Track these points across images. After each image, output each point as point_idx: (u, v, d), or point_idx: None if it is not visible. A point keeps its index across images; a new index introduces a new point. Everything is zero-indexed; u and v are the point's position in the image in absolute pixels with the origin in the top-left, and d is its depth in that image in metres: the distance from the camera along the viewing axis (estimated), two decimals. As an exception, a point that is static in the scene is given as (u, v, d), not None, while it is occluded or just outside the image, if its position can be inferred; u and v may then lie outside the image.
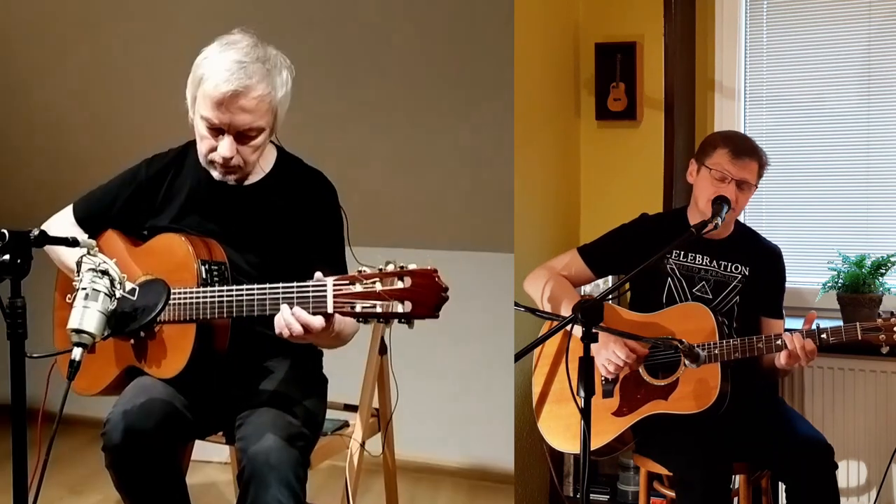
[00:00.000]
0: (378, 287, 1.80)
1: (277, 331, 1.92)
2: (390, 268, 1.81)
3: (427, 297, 1.78)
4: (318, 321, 1.88)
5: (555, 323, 2.39)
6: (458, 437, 3.66)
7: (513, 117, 2.95)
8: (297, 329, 1.88)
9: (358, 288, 1.82)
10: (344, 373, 2.52)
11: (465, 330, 3.36)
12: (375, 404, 2.69)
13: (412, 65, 3.13)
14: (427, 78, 3.16)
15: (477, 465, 3.68)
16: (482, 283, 3.31)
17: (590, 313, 2.06)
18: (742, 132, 3.10)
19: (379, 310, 1.80)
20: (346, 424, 2.62)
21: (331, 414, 2.50)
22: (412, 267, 1.80)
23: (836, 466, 2.45)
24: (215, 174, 2.19)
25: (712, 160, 2.54)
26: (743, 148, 2.54)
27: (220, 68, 2.05)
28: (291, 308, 1.89)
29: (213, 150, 2.13)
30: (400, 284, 1.79)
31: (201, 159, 2.21)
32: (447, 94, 3.18)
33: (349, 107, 3.30)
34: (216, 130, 2.11)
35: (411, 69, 3.15)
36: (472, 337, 3.51)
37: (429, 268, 1.80)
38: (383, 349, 2.66)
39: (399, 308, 1.79)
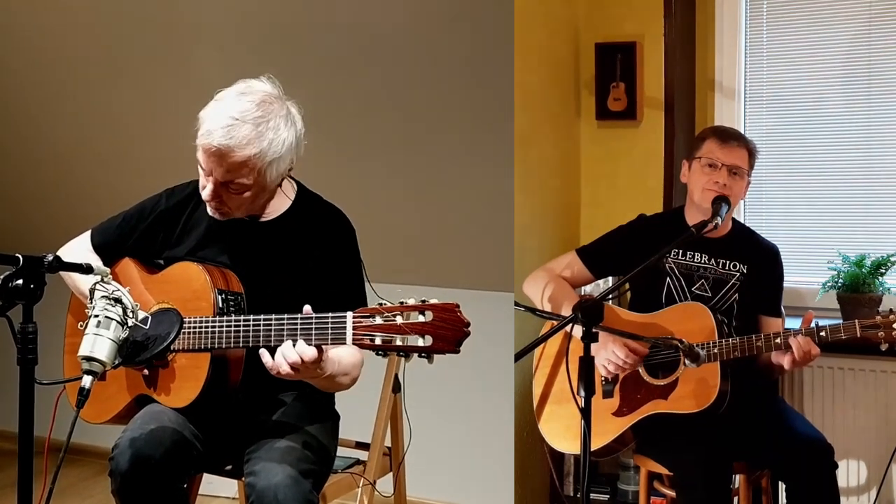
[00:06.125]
0: (399, 320, 1.77)
1: (273, 369, 1.90)
2: (411, 301, 1.79)
3: (448, 331, 1.76)
4: (310, 352, 1.85)
5: (555, 323, 2.40)
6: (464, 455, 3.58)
7: (513, 122, 2.95)
8: (294, 357, 1.86)
9: (378, 321, 1.79)
10: (356, 410, 2.48)
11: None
12: (388, 443, 2.62)
13: (411, 69, 3.12)
14: (424, 85, 3.14)
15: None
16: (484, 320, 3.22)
17: (590, 313, 2.06)
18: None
19: (399, 343, 1.77)
20: (357, 462, 2.57)
21: (342, 452, 2.45)
22: (434, 301, 1.78)
23: (836, 466, 2.45)
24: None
25: (701, 151, 2.60)
26: (730, 134, 2.63)
27: (213, 120, 2.03)
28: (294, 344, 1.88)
29: (205, 187, 2.12)
30: (421, 318, 1.76)
31: None
32: (445, 99, 3.16)
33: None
34: (207, 171, 2.09)
35: (410, 74, 3.13)
36: (473, 344, 3.47)
37: (451, 302, 1.78)
38: (397, 387, 2.60)
39: (420, 342, 1.76)
